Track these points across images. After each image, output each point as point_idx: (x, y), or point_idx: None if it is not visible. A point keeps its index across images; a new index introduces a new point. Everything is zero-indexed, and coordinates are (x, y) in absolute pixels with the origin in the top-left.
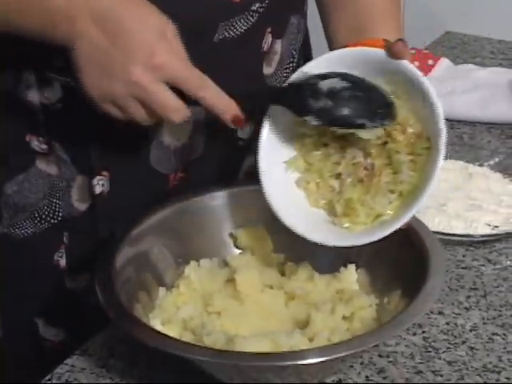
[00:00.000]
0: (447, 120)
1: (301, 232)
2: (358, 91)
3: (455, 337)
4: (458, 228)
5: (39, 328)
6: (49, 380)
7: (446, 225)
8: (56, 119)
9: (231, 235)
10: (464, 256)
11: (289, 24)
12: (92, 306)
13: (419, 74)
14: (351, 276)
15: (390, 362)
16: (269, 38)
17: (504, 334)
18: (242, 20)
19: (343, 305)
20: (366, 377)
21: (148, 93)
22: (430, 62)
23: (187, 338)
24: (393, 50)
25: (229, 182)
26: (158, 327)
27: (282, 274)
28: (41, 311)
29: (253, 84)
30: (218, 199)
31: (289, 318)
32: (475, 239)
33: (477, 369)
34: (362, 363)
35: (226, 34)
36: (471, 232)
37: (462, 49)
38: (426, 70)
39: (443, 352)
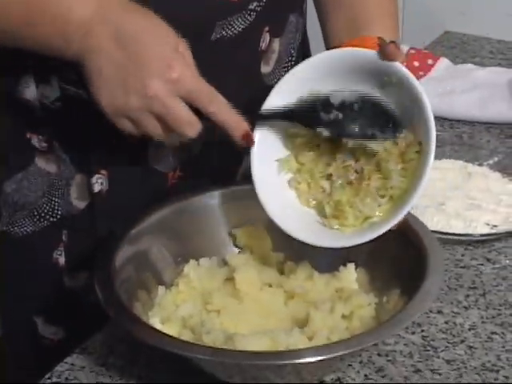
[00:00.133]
0: (446, 119)
1: (295, 235)
2: (367, 104)
3: (454, 336)
4: (457, 227)
5: (38, 326)
6: (48, 378)
7: (445, 224)
8: (55, 118)
9: (230, 234)
10: (463, 255)
11: (287, 23)
12: (91, 304)
13: (411, 75)
14: (350, 275)
15: (388, 360)
16: (267, 37)
17: (503, 333)
18: (239, 19)
19: (342, 304)
20: (365, 375)
21: (164, 106)
22: (430, 61)
23: (186, 336)
24: (385, 52)
25: (228, 180)
26: (158, 326)
27: (282, 272)
28: (40, 309)
29: (250, 83)
30: (217, 198)
31: (288, 317)
32: (474, 238)
33: (475, 368)
34: (360, 362)
35: (224, 32)
36: (470, 231)
37: (462, 48)
38: (426, 69)
39: (442, 351)
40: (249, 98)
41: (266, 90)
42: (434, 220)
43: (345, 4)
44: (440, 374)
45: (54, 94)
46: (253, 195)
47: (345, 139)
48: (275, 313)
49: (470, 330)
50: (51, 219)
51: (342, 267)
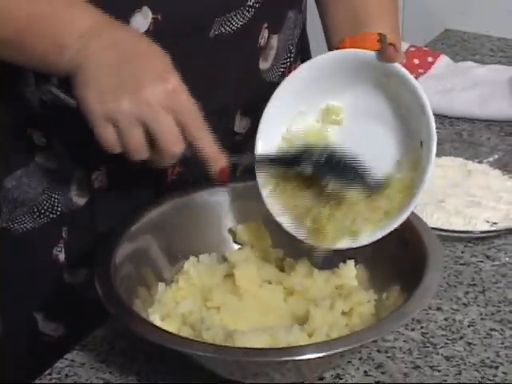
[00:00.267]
0: (446, 117)
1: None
2: (348, 163)
3: (453, 332)
4: (456, 224)
5: (39, 323)
6: (48, 375)
7: (445, 221)
8: (54, 115)
9: (230, 231)
10: (463, 252)
11: (286, 19)
12: (91, 300)
13: (411, 77)
14: (350, 272)
15: (388, 357)
16: (265, 33)
17: (502, 330)
18: (238, 15)
19: (342, 300)
20: (365, 372)
21: (155, 115)
22: (430, 59)
23: (186, 332)
24: (385, 54)
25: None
26: (158, 322)
27: (281, 269)
28: (40, 306)
29: (249, 79)
30: (217, 195)
31: (288, 314)
32: (474, 235)
33: (474, 364)
34: (360, 358)
35: (222, 29)
36: (470, 228)
37: (462, 46)
38: (426, 67)
39: (441, 347)
40: (247, 94)
41: (265, 86)
42: (434, 217)
43: None
44: (439, 371)
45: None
46: (252, 192)
47: (325, 181)
48: (275, 309)
49: (469, 326)
50: (51, 216)
51: (341, 264)
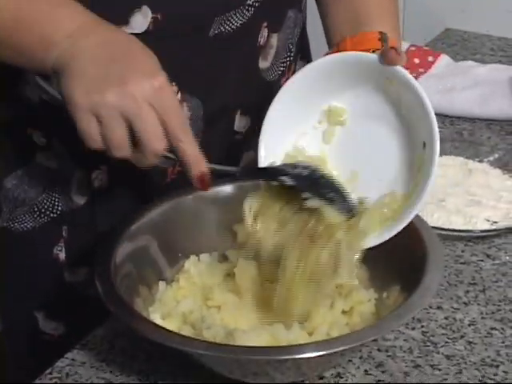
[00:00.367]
0: (447, 116)
1: None
2: (329, 183)
3: (454, 331)
4: (457, 223)
5: (39, 322)
6: (49, 374)
7: (446, 220)
8: (54, 114)
9: (231, 230)
10: (463, 251)
11: (285, 18)
12: (91, 299)
13: (412, 79)
14: None
15: (388, 356)
16: (265, 32)
17: (502, 329)
18: (237, 14)
19: (342, 299)
20: (365, 371)
21: (139, 110)
22: (430, 58)
23: (187, 331)
24: (386, 57)
25: (228, 176)
26: (158, 321)
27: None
28: (40, 305)
29: (249, 78)
30: (217, 194)
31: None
32: (474, 234)
33: (475, 363)
34: (360, 357)
35: (222, 28)
36: (470, 227)
37: (462, 46)
38: (426, 66)
39: (442, 346)
40: (247, 93)
41: (265, 85)
42: (435, 216)
43: None
44: (440, 370)
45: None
46: (252, 191)
47: (304, 197)
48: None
49: (469, 325)
50: (51, 215)
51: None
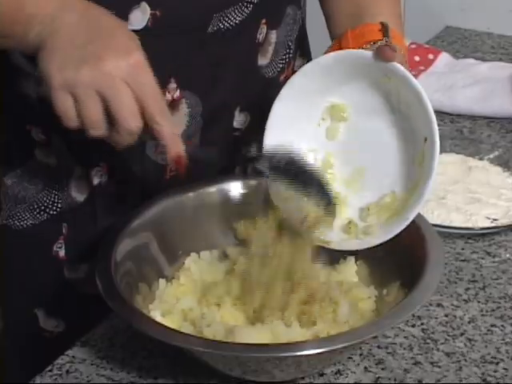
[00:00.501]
0: (447, 114)
1: None
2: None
3: (454, 328)
4: (457, 221)
5: (39, 319)
6: (50, 371)
7: (446, 218)
8: (53, 111)
9: (231, 227)
10: (463, 249)
11: (284, 15)
12: (92, 296)
13: (410, 75)
14: (351, 268)
15: (388, 353)
16: (264, 29)
17: (502, 326)
18: (236, 11)
19: (343, 296)
20: (365, 368)
21: (114, 87)
22: (431, 56)
23: (187, 329)
24: (382, 54)
25: (228, 173)
26: (158, 318)
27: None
28: (41, 302)
29: (248, 75)
30: (217, 191)
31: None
32: (474, 232)
33: (475, 360)
34: (361, 354)
35: (221, 25)
36: (471, 225)
37: (463, 43)
38: (427, 64)
39: (442, 343)
40: (246, 90)
41: (264, 82)
42: (435, 213)
43: None
44: (440, 367)
45: None
46: (254, 188)
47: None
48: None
49: (469, 322)
50: (51, 212)
51: (342, 260)
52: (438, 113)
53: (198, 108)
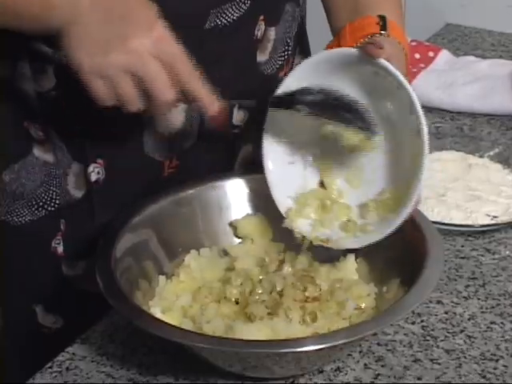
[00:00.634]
0: (447, 111)
1: None
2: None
3: (453, 326)
4: (457, 218)
5: (38, 315)
6: (50, 368)
7: (446, 215)
8: (51, 107)
9: (231, 224)
10: (463, 246)
11: (283, 12)
12: (90, 293)
13: (396, 71)
14: (350, 265)
15: (388, 350)
16: (262, 26)
17: (502, 323)
18: (233, 7)
19: (342, 293)
20: (365, 365)
21: (143, 64)
22: (431, 53)
23: (187, 325)
24: (366, 52)
25: (228, 171)
26: (158, 315)
27: (282, 262)
28: (39, 298)
29: (246, 71)
30: (217, 188)
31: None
32: (474, 229)
33: (475, 357)
34: (360, 351)
35: (218, 21)
36: (471, 222)
37: (463, 41)
38: (427, 61)
39: (441, 340)
40: (244, 86)
41: (263, 78)
42: (435, 211)
43: None
44: (439, 364)
45: (50, 84)
46: (253, 185)
47: (323, 122)
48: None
49: (469, 319)
50: (49, 208)
51: (342, 257)
52: (437, 110)
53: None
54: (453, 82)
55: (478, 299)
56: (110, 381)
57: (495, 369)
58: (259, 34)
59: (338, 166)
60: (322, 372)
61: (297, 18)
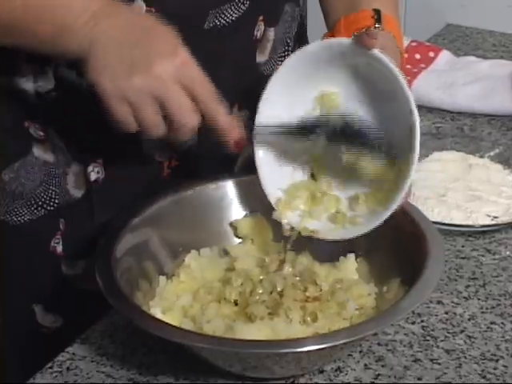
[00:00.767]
0: (448, 112)
1: None
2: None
3: (454, 326)
4: (457, 218)
5: (37, 315)
6: (50, 368)
7: (446, 215)
8: (51, 107)
9: (231, 224)
10: (463, 246)
11: (282, 12)
12: (90, 292)
13: (388, 62)
14: (351, 265)
15: (388, 350)
16: (261, 26)
17: (502, 323)
18: (232, 8)
19: (343, 293)
20: (365, 365)
21: (167, 89)
22: (431, 54)
23: (187, 325)
24: (360, 43)
25: (228, 171)
26: (159, 315)
27: (282, 262)
28: (39, 298)
29: (246, 72)
30: (218, 188)
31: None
32: (475, 229)
33: (475, 357)
34: (361, 351)
35: (217, 21)
36: (471, 222)
37: (464, 41)
38: (427, 62)
39: (441, 341)
40: (244, 86)
41: (263, 79)
42: (435, 211)
43: None
44: (439, 364)
45: (50, 85)
46: (253, 185)
47: (338, 151)
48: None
49: (469, 320)
50: (48, 208)
51: (342, 257)
52: (438, 110)
53: None
54: (453, 82)
55: (479, 299)
56: (110, 381)
57: (495, 369)
58: (258, 35)
59: (330, 157)
60: (322, 372)
61: (296, 18)
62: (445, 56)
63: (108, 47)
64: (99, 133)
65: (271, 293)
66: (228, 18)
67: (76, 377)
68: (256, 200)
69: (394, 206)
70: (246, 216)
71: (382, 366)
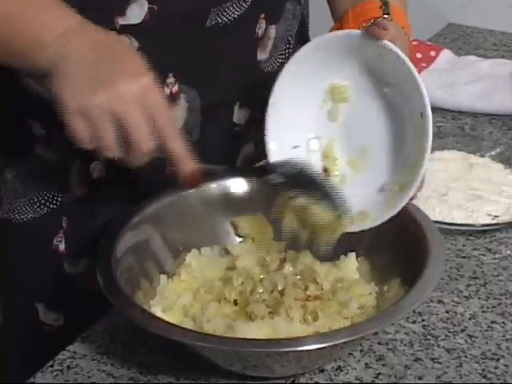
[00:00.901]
0: (449, 111)
1: None
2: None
3: (454, 325)
4: (458, 218)
5: (39, 313)
6: (50, 366)
7: (447, 214)
8: (53, 106)
9: (232, 223)
10: (464, 245)
11: (284, 10)
12: (92, 291)
13: (399, 52)
14: (351, 264)
15: (389, 349)
16: (263, 24)
17: (503, 323)
18: (234, 5)
19: (343, 292)
20: (366, 364)
21: (127, 108)
22: (433, 53)
23: (187, 324)
24: (370, 34)
25: (229, 170)
26: (159, 314)
27: (283, 261)
28: (41, 296)
29: (247, 69)
30: (218, 187)
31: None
32: (476, 229)
33: (475, 356)
34: (361, 350)
35: (219, 19)
36: (472, 222)
37: (465, 40)
38: (428, 61)
39: (442, 340)
40: (246, 84)
41: (263, 76)
42: (436, 210)
43: None
44: (440, 363)
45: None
46: (254, 185)
47: (292, 196)
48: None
49: (470, 319)
50: (51, 206)
51: (343, 256)
52: (439, 110)
53: (196, 103)
54: (454, 81)
55: (479, 298)
56: (111, 380)
57: (496, 368)
58: (260, 33)
59: (342, 148)
60: (322, 371)
61: (298, 16)
62: (446, 55)
63: (77, 65)
64: None
65: (272, 292)
66: (230, 15)
67: (76, 375)
68: (257, 199)
69: (407, 199)
70: (246, 215)
71: (383, 365)
